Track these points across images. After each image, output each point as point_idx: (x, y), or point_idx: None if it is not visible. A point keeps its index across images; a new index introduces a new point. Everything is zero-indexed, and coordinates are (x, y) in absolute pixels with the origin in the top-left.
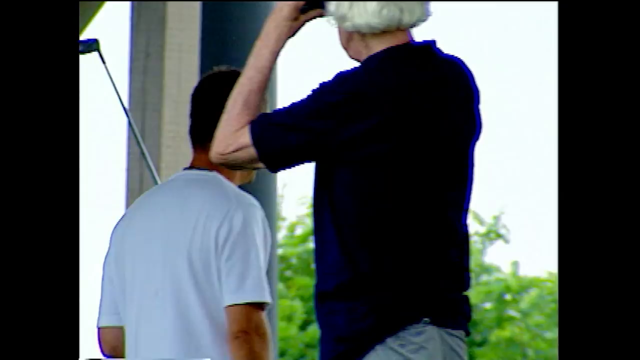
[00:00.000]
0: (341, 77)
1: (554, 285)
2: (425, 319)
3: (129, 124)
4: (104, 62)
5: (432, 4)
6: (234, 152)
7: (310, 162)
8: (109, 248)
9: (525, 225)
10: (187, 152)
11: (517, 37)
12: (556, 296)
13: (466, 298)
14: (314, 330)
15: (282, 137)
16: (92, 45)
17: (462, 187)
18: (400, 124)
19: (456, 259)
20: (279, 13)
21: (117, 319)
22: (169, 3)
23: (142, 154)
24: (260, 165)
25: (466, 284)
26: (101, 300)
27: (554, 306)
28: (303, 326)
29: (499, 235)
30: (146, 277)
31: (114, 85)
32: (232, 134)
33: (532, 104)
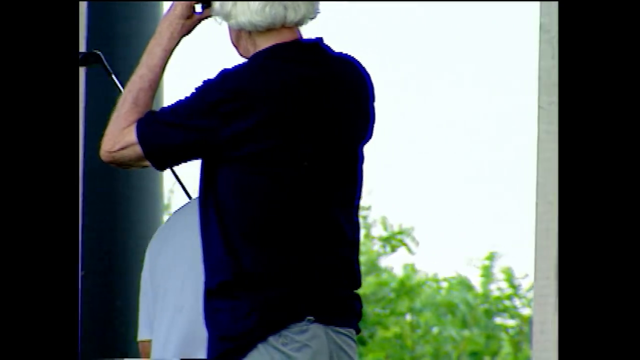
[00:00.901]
0: (225, 74)
1: (448, 285)
2: (310, 317)
3: None
4: (109, 73)
5: (322, 4)
6: (120, 150)
7: (196, 159)
8: (145, 263)
9: (435, 238)
10: None
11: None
12: (451, 295)
13: (357, 296)
14: None
15: (166, 135)
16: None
17: (350, 185)
18: (284, 122)
19: (346, 257)
20: (173, 11)
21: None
22: None
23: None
24: (147, 163)
25: (357, 282)
26: (140, 314)
27: (448, 304)
28: None
29: (404, 244)
30: (174, 293)
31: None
32: (120, 132)
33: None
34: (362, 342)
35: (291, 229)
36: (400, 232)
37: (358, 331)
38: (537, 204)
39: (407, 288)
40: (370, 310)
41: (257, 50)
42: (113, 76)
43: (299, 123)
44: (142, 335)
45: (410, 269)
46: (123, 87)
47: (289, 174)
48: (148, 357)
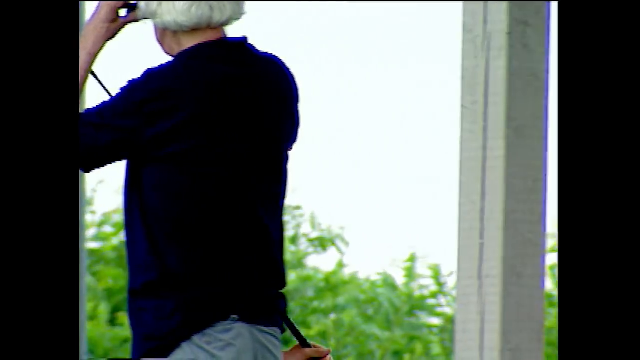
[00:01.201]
0: (149, 74)
1: (370, 284)
2: (234, 316)
3: None
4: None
5: (247, 3)
6: None
7: (122, 160)
8: None
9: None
10: None
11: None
12: (375, 293)
13: (282, 295)
14: (126, 327)
15: (91, 136)
16: None
17: (276, 185)
18: (208, 121)
19: (271, 256)
20: (97, 15)
21: None
22: None
23: None
24: None
25: (282, 281)
26: None
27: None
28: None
29: (334, 244)
30: None
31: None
32: None
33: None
34: (286, 342)
35: (216, 229)
36: (332, 237)
37: (283, 330)
38: (460, 203)
39: (331, 285)
40: (294, 306)
41: (181, 49)
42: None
43: (223, 122)
44: None
45: (338, 264)
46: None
47: (213, 174)
48: None
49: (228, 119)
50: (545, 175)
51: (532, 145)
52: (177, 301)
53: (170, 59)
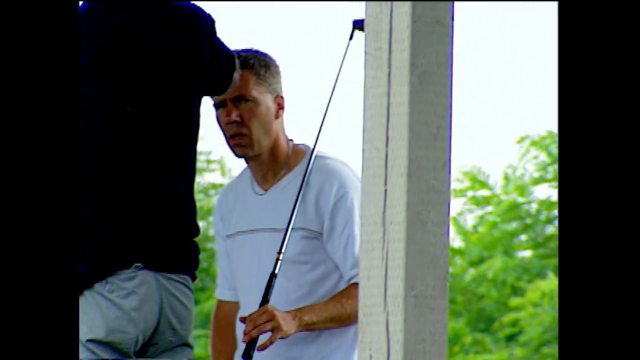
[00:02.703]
0: None
1: None
2: (137, 264)
3: None
4: None
5: None
6: None
7: None
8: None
9: None
10: None
11: None
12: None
13: (193, 243)
14: None
15: None
16: None
17: (176, 133)
18: (104, 67)
19: (178, 203)
20: None
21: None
22: None
23: None
24: None
25: (193, 229)
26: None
27: None
28: None
29: None
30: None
31: None
32: None
33: None
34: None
35: (118, 176)
36: None
37: (194, 278)
38: (364, 150)
39: None
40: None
41: None
42: None
43: (120, 69)
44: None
45: None
46: None
47: (110, 120)
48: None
49: (125, 66)
50: (450, 122)
51: (436, 92)
52: (84, 249)
53: None
